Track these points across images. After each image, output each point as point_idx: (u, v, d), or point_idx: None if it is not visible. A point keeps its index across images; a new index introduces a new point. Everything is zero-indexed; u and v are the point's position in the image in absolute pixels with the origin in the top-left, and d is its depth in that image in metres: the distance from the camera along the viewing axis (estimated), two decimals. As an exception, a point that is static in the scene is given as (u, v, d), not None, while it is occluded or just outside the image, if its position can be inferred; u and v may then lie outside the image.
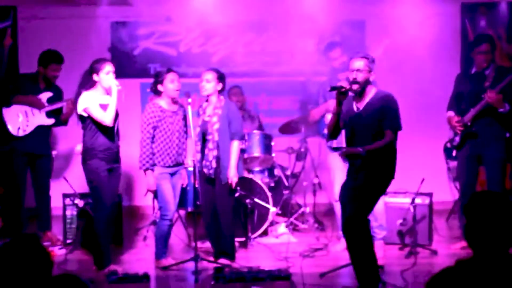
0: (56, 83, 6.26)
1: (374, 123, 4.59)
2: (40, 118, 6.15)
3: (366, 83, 4.62)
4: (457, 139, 5.98)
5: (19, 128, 6.10)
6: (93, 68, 5.32)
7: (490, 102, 5.70)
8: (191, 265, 5.29)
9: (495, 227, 2.42)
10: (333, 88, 4.59)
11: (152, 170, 5.48)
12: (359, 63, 4.61)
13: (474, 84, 5.91)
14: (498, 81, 5.78)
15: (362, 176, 4.64)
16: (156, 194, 5.60)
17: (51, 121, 6.21)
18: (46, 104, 6.13)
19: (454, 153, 6.14)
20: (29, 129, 6.13)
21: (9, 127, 6.09)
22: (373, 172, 4.62)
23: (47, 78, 6.16)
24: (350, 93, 4.60)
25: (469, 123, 5.85)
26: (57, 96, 6.16)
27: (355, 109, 4.67)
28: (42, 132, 6.21)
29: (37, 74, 6.19)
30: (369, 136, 4.61)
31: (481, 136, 5.85)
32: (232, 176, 5.48)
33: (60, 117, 6.17)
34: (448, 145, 6.17)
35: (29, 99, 6.10)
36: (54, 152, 6.67)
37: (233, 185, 5.56)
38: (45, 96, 6.15)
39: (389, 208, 6.01)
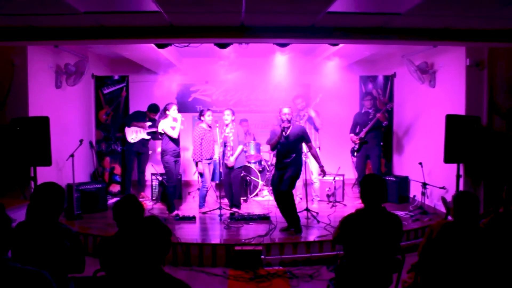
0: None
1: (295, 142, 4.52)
2: (143, 135, 6.13)
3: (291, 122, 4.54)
4: (356, 147, 5.95)
5: (132, 138, 6.12)
6: (166, 107, 5.35)
7: (379, 118, 5.79)
8: (217, 211, 5.27)
9: (374, 192, 2.53)
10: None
11: (201, 162, 5.43)
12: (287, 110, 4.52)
13: (364, 117, 5.96)
14: (378, 111, 5.85)
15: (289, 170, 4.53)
16: (201, 174, 5.50)
17: (148, 136, 6.16)
18: (147, 128, 6.11)
19: (355, 154, 6.02)
20: (136, 139, 6.14)
21: (127, 137, 6.15)
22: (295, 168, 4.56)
23: (150, 116, 6.18)
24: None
25: (363, 136, 5.85)
26: (154, 124, 6.03)
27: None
28: (143, 142, 6.19)
29: (146, 113, 6.19)
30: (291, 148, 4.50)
31: (369, 143, 5.86)
32: (232, 161, 5.40)
33: (156, 135, 5.94)
34: (352, 150, 6.08)
35: (140, 124, 6.11)
36: (150, 152, 6.54)
37: (233, 165, 5.39)
38: (147, 124, 6.13)
39: (322, 182, 5.97)
